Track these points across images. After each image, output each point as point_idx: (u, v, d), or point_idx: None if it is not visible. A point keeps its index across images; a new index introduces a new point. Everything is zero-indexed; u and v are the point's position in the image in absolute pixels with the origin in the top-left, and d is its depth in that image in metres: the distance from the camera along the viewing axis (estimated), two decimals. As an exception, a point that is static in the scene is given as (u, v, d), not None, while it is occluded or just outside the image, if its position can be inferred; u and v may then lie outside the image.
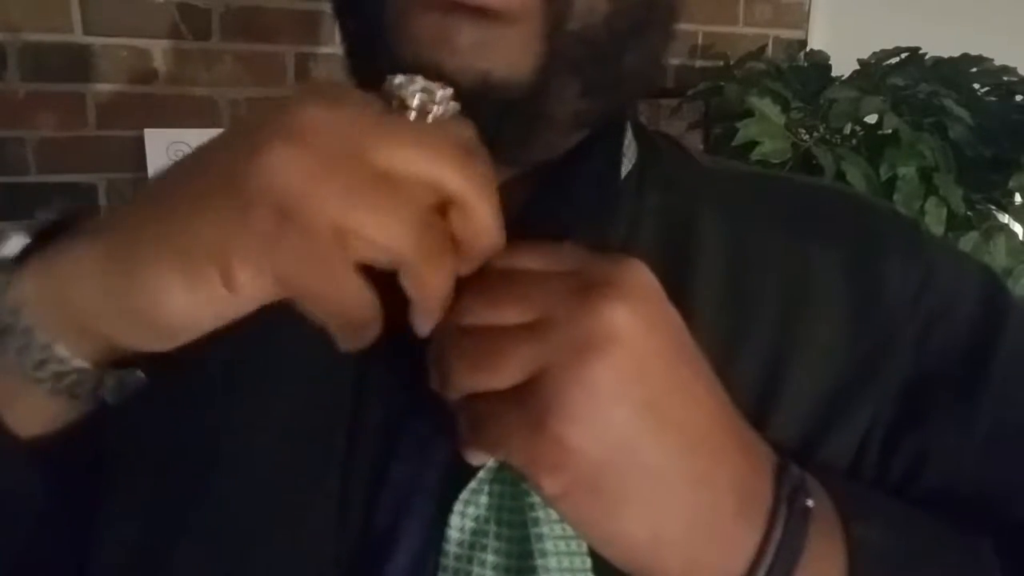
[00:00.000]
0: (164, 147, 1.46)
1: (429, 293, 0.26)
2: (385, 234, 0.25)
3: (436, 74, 0.30)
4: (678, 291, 0.29)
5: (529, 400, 0.26)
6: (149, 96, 1.47)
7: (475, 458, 0.29)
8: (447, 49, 0.30)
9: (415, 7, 0.30)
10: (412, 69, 0.30)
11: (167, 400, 0.34)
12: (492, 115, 0.31)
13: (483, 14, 0.29)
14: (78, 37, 1.41)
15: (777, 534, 0.28)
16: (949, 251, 0.39)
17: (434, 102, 0.27)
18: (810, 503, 0.29)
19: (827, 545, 0.29)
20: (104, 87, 1.44)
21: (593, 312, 0.26)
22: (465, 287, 0.28)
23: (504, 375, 0.27)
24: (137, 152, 1.46)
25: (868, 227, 0.38)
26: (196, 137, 1.55)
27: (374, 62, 0.33)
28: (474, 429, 0.28)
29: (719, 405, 0.29)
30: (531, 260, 0.29)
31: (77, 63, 1.42)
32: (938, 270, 0.36)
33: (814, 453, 0.33)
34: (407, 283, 0.26)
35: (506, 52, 0.30)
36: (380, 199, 0.25)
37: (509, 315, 0.27)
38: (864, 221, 0.38)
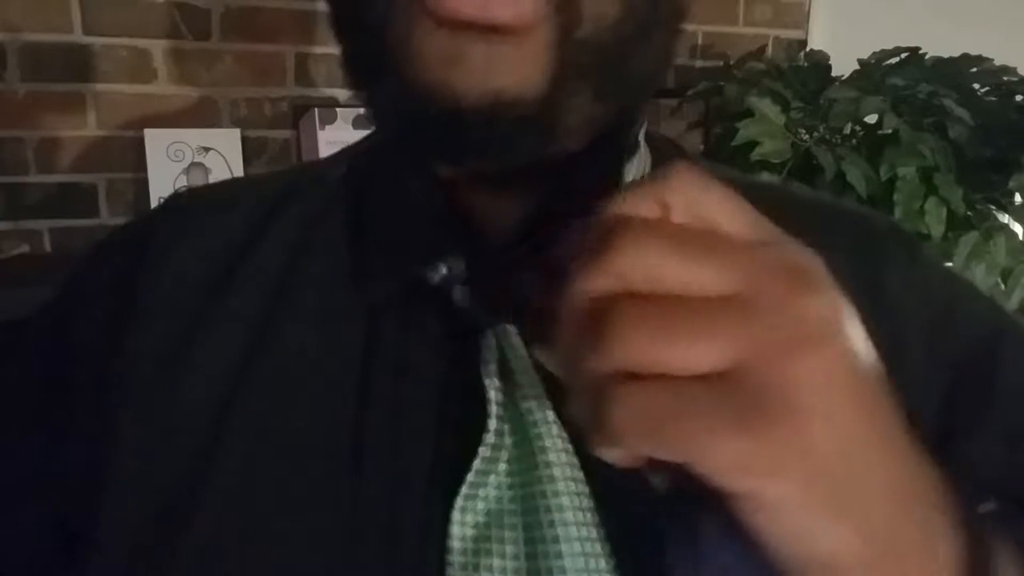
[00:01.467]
0: (164, 147, 1.46)
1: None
2: None
3: (445, 93, 0.29)
4: None
5: (741, 388, 0.21)
6: (149, 96, 1.47)
7: (619, 458, 0.23)
8: (458, 68, 0.29)
9: (423, 25, 0.29)
10: (419, 88, 0.29)
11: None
12: (507, 131, 0.30)
13: (494, 31, 0.29)
14: (78, 37, 1.42)
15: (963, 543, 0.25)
16: (942, 267, 0.41)
17: None
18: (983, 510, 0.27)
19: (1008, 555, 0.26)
20: (104, 87, 1.44)
21: (804, 300, 0.22)
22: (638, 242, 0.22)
23: (703, 350, 0.21)
24: (137, 152, 1.46)
25: (868, 242, 0.38)
26: (196, 137, 1.55)
27: (378, 81, 0.32)
28: (639, 423, 0.22)
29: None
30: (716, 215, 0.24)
31: (77, 63, 1.42)
32: (935, 285, 0.38)
33: None
34: None
35: (517, 67, 0.29)
36: None
37: (707, 280, 0.22)
38: (864, 236, 0.39)
